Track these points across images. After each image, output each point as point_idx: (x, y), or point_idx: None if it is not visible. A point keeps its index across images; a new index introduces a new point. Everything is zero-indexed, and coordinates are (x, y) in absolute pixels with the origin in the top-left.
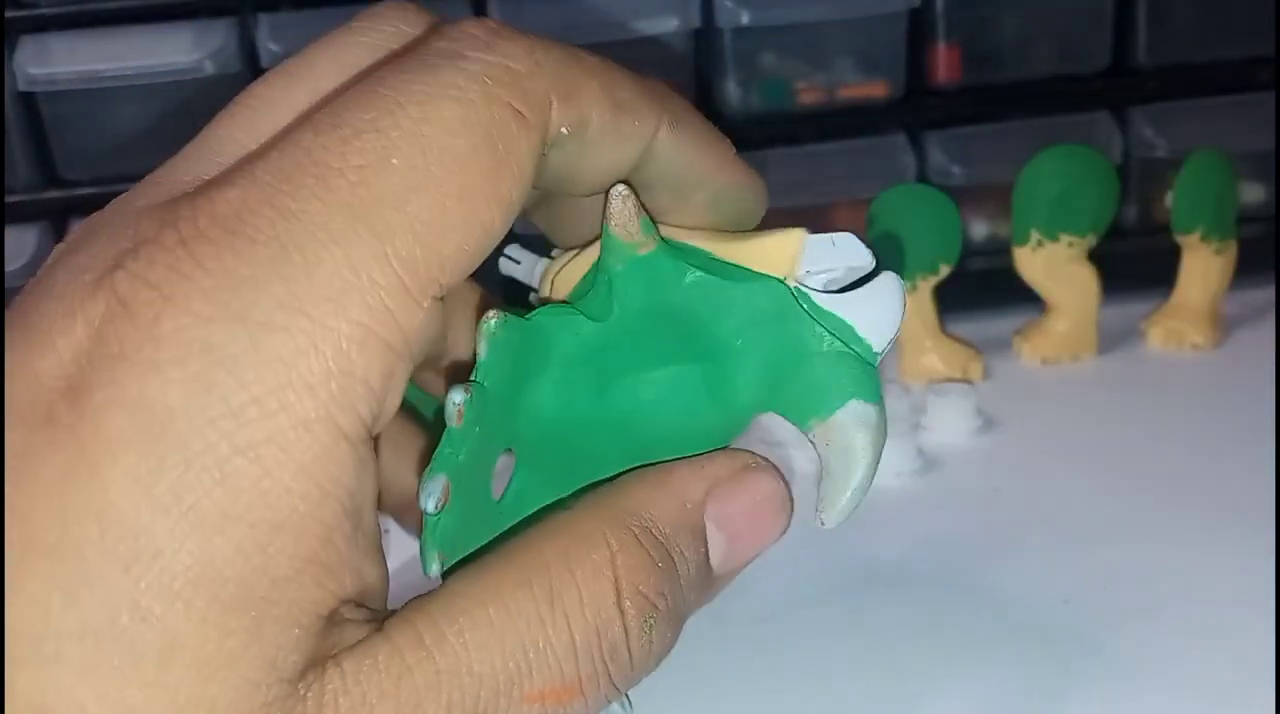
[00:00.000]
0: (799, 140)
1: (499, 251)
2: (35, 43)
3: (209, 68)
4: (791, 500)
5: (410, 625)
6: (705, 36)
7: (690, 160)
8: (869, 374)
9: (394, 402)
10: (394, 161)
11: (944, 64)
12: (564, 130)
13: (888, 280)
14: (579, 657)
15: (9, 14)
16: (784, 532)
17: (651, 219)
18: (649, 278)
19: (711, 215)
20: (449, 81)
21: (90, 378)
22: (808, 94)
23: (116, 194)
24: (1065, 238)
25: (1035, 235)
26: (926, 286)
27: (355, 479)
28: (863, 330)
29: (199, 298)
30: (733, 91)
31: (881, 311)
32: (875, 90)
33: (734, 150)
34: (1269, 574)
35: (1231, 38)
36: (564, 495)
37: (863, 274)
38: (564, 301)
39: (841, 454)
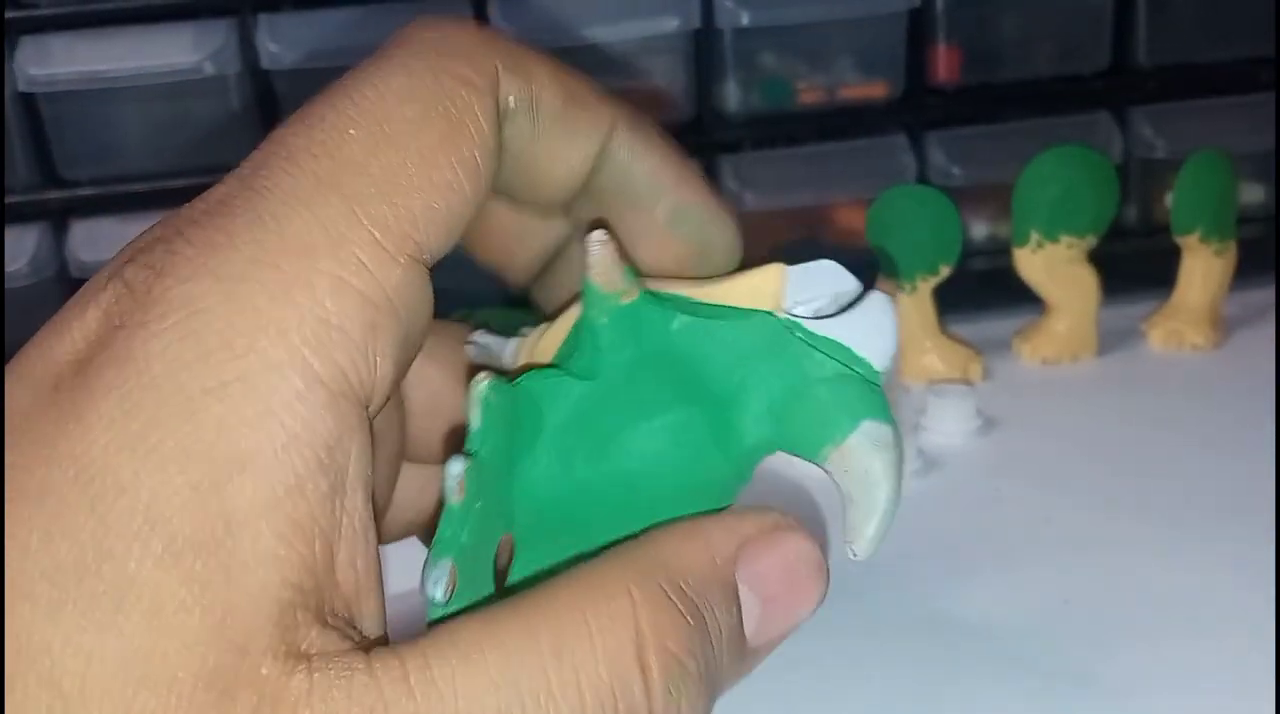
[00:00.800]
0: (799, 140)
1: (467, 340)
2: (35, 43)
3: (209, 68)
4: (827, 565)
5: (396, 659)
6: (705, 36)
7: (649, 167)
8: (876, 394)
9: (385, 367)
10: (352, 132)
11: (944, 64)
12: (512, 101)
13: (877, 299)
14: None
15: (9, 14)
16: (821, 600)
17: (633, 267)
18: (635, 327)
19: (676, 236)
20: (399, 62)
21: (94, 350)
22: (808, 94)
23: (116, 194)
24: (1065, 239)
25: (1035, 236)
26: (926, 287)
27: (334, 433)
28: (861, 351)
29: (182, 265)
30: (733, 91)
31: (876, 330)
32: (875, 90)
33: (699, 171)
34: (1269, 574)
35: (1231, 38)
36: None
37: (849, 298)
38: (549, 365)
39: (862, 479)
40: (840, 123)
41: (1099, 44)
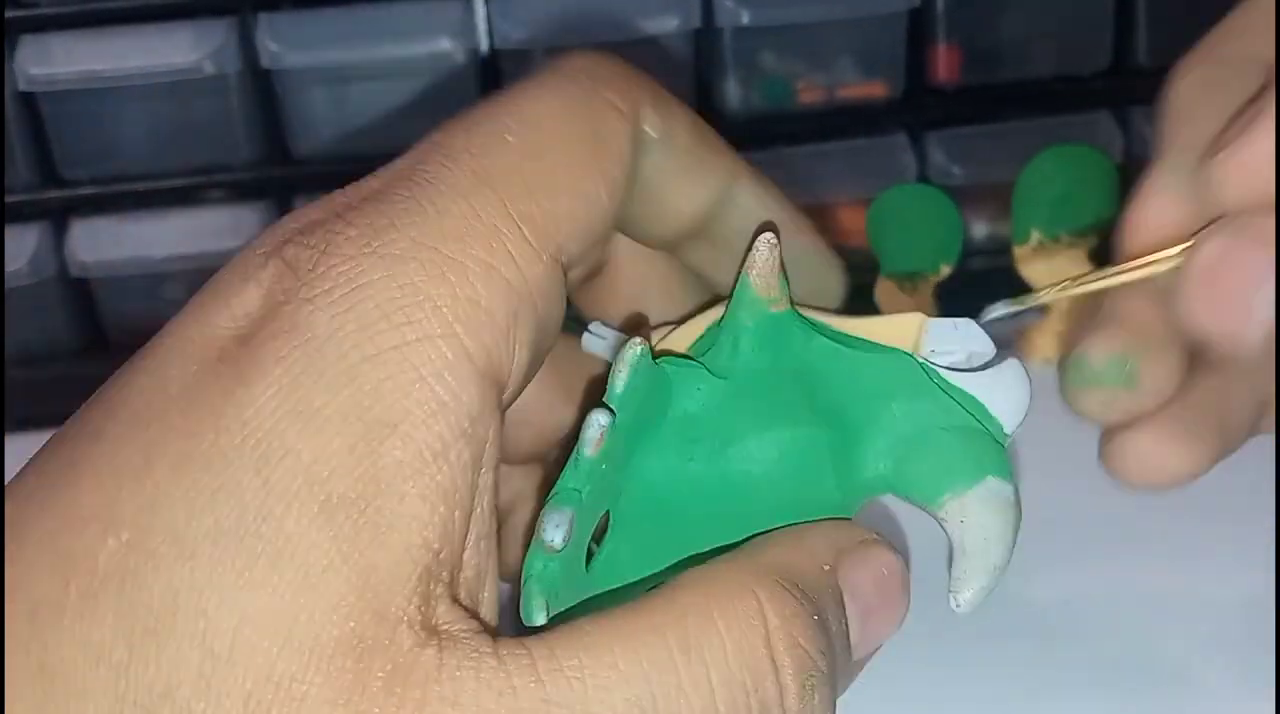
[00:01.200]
0: (799, 140)
1: (584, 329)
2: (35, 43)
3: (209, 68)
4: (909, 581)
5: (522, 648)
6: (705, 36)
7: (773, 214)
8: (1002, 453)
9: (523, 355)
10: (509, 138)
11: (944, 64)
12: (652, 132)
13: (1014, 365)
14: (722, 712)
15: (9, 14)
16: (905, 614)
17: (788, 280)
18: (777, 338)
19: (792, 281)
20: (555, 83)
21: (257, 325)
22: (808, 94)
23: (116, 194)
24: (1066, 238)
25: (1036, 235)
26: (927, 287)
27: (477, 407)
28: (994, 409)
29: (346, 244)
30: (733, 91)
31: (1010, 393)
32: (875, 90)
33: (810, 222)
34: (1269, 573)
35: None
36: (658, 570)
37: (984, 359)
38: (686, 355)
39: (978, 533)
40: (840, 123)
41: (1099, 44)
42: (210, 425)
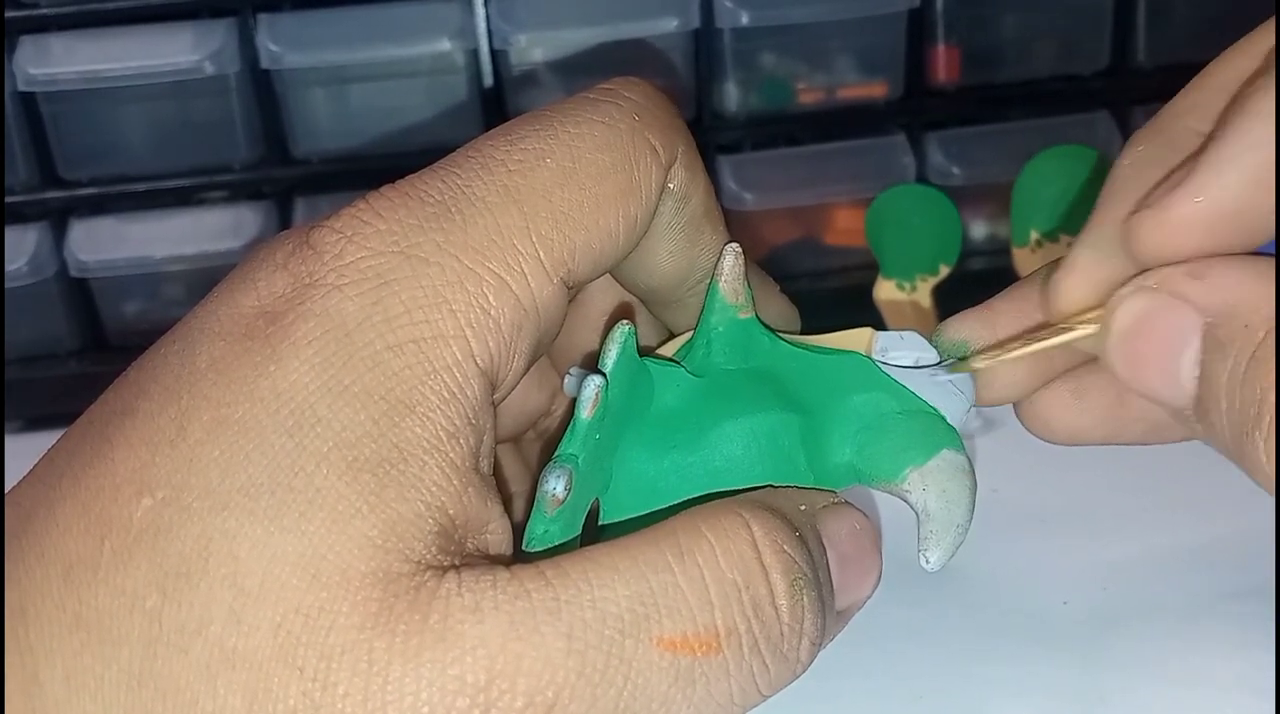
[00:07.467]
0: (799, 140)
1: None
2: (35, 43)
3: (209, 68)
4: (880, 543)
5: (533, 566)
6: (705, 36)
7: (754, 287)
8: (953, 430)
9: (519, 364)
10: (548, 161)
11: (944, 64)
12: (674, 186)
13: (958, 366)
14: (716, 607)
15: (9, 14)
16: (879, 577)
17: (751, 290)
18: (745, 341)
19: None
20: (604, 111)
21: (285, 304)
22: (807, 94)
23: (116, 194)
24: (1065, 238)
25: (1035, 236)
26: (926, 287)
27: (480, 401)
28: (940, 404)
29: (375, 238)
30: (733, 91)
31: (959, 383)
32: (875, 90)
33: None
34: (1269, 573)
35: (1231, 38)
36: None
37: (928, 363)
38: (668, 357)
39: (941, 496)
40: (840, 123)
41: (1099, 44)
42: (244, 396)
